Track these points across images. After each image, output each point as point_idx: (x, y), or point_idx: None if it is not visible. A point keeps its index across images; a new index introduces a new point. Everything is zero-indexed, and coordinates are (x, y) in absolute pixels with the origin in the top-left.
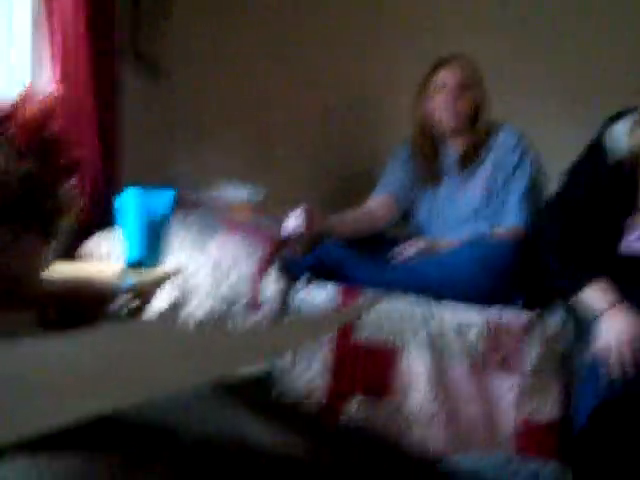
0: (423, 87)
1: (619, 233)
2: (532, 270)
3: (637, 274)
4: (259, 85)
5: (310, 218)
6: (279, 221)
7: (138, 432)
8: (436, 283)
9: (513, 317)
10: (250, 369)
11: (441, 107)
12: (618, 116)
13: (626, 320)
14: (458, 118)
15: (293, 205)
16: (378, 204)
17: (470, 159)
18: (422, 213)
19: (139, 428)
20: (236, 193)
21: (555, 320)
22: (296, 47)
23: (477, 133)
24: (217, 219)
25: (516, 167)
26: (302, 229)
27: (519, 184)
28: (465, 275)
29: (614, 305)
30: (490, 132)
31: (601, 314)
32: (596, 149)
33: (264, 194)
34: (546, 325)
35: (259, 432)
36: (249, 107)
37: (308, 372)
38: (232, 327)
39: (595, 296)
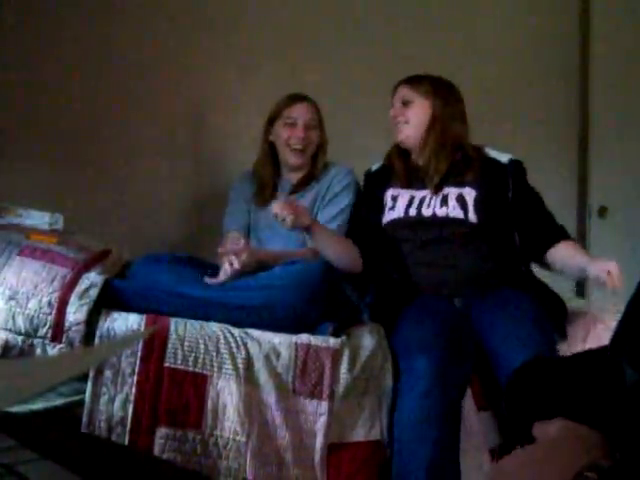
0: (274, 116)
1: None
2: (341, 296)
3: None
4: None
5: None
6: (81, 248)
7: None
8: (245, 306)
9: (322, 343)
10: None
11: (291, 141)
12: None
13: None
14: (304, 155)
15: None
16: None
17: (301, 187)
18: (262, 230)
19: None
20: (35, 219)
21: (365, 345)
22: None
23: (314, 170)
24: (15, 245)
25: (336, 195)
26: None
27: (330, 211)
28: (275, 295)
29: None
30: (324, 169)
31: None
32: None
33: (62, 221)
34: (355, 350)
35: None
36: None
37: (112, 404)
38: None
39: None
